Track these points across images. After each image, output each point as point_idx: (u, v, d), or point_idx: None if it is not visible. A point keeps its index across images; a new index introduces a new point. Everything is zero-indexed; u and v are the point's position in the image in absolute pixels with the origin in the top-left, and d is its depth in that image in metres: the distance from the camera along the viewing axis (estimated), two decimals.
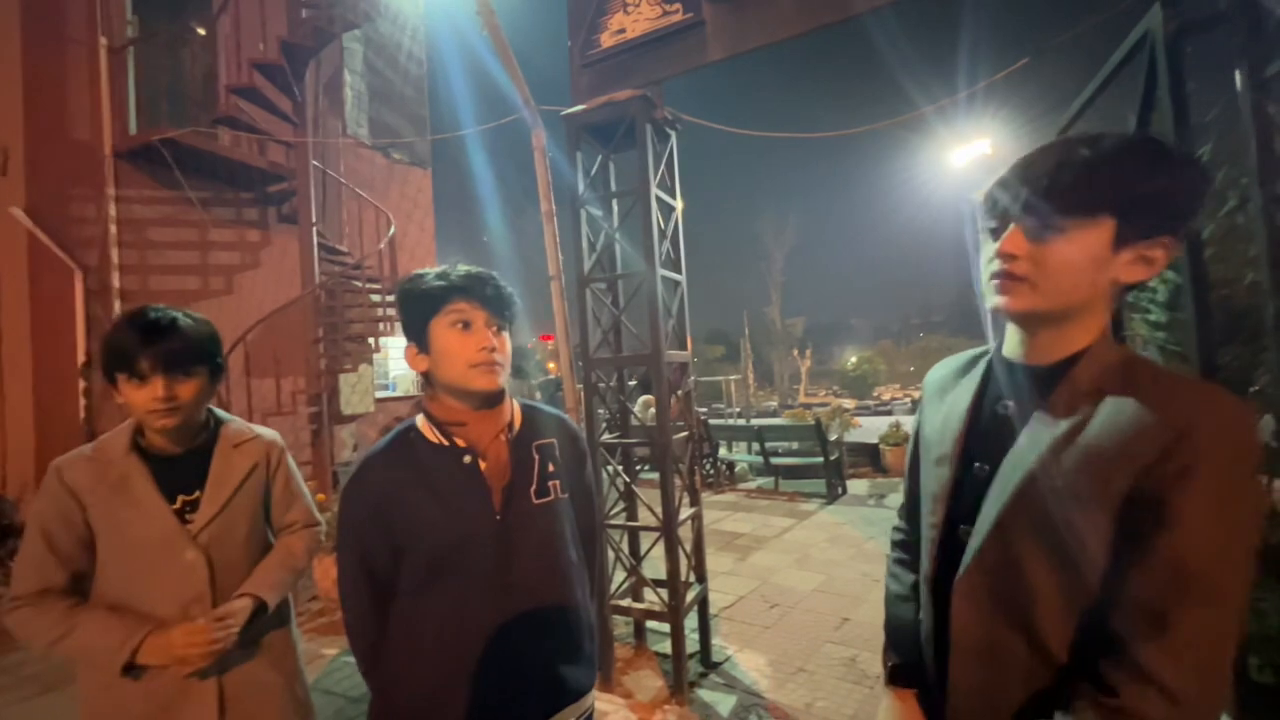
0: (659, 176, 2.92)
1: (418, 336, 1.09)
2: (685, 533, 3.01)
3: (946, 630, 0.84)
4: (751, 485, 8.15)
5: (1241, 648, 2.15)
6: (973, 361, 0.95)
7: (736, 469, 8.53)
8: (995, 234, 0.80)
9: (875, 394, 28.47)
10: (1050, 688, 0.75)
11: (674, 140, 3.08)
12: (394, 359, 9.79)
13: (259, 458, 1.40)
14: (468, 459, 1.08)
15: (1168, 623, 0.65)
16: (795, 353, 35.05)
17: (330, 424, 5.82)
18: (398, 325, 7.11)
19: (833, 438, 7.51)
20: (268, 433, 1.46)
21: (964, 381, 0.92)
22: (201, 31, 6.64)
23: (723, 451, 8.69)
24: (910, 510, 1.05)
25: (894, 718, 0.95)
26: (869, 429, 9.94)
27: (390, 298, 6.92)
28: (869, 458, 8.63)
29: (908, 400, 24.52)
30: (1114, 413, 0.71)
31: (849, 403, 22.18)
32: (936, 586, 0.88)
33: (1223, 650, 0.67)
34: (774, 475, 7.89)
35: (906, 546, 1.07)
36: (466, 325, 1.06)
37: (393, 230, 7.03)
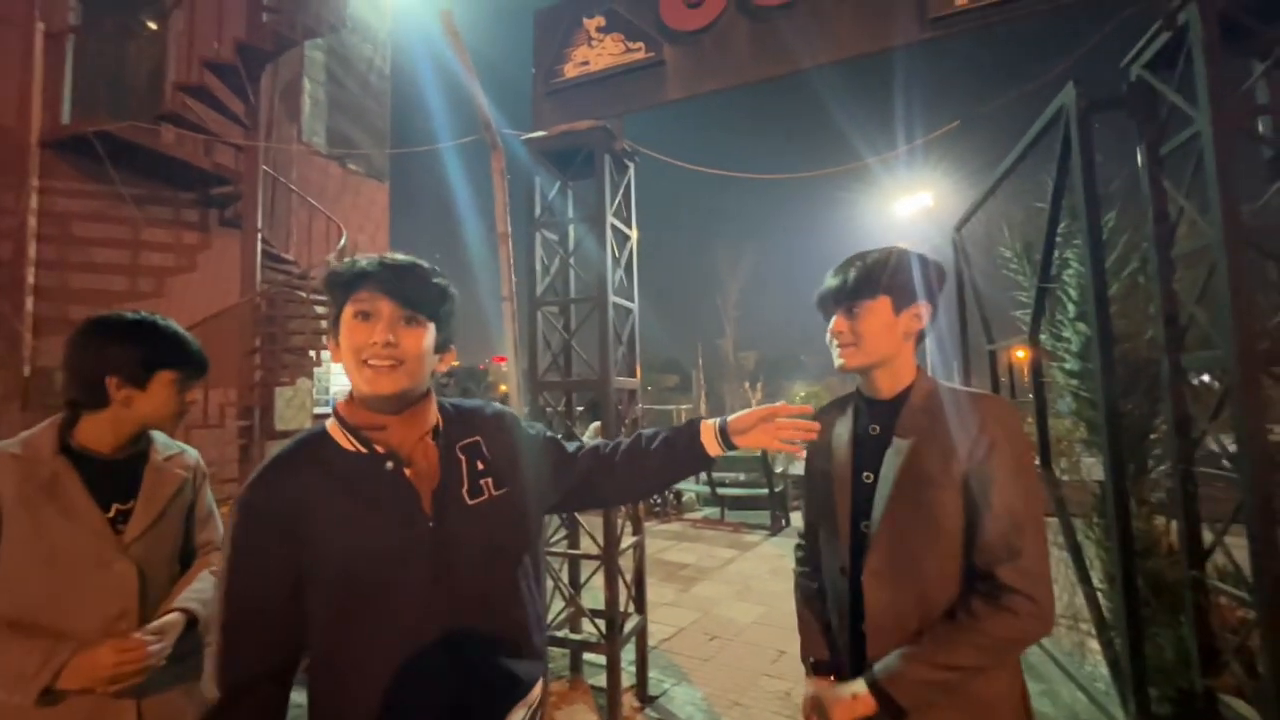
0: (615, 205, 2.98)
1: (334, 327, 0.98)
2: (627, 562, 2.98)
3: (860, 611, 1.10)
4: (698, 515, 8.16)
5: (1139, 679, 2.28)
6: (845, 402, 1.29)
7: (684, 498, 8.53)
8: (827, 318, 1.21)
9: None
10: None
11: (632, 171, 3.15)
12: (336, 373, 9.44)
13: (187, 473, 1.36)
14: (390, 465, 0.97)
15: (1013, 550, 1.00)
16: (747, 385, 35.67)
17: (262, 439, 5.52)
18: None
19: (778, 470, 7.64)
20: (190, 449, 1.42)
21: (841, 418, 1.25)
22: (153, 26, 6.41)
23: None
24: (810, 528, 1.32)
25: (811, 703, 1.16)
26: None
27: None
28: None
29: None
30: (943, 421, 1.10)
31: None
32: (851, 576, 1.14)
33: (1047, 558, 1.04)
34: (720, 505, 7.93)
35: (809, 560, 1.34)
36: (366, 316, 0.94)
37: (343, 241, 6.85)
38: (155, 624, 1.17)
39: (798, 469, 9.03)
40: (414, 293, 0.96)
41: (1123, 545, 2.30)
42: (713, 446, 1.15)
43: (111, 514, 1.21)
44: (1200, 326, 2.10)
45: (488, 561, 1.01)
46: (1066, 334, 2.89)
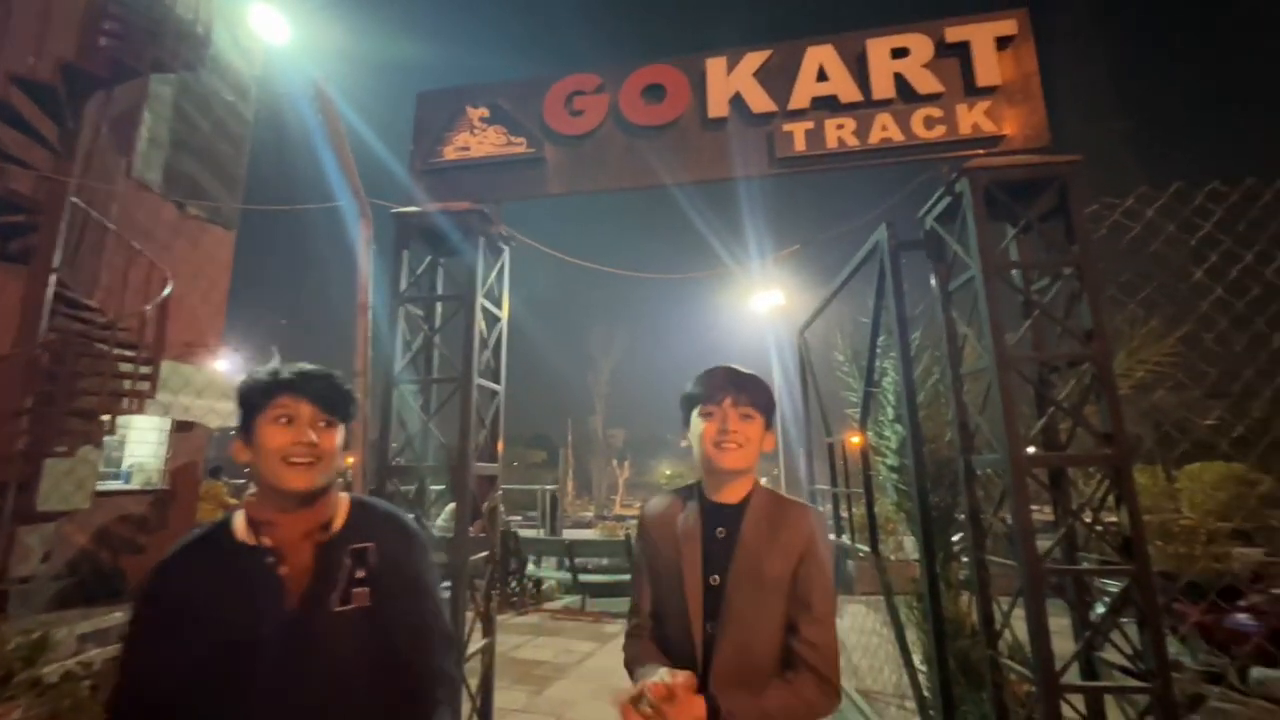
0: (488, 287, 2.96)
1: (245, 431, 1.09)
2: (475, 666, 2.72)
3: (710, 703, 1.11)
4: (558, 604, 7.76)
5: None
6: (684, 499, 1.35)
7: (544, 586, 8.10)
8: (704, 415, 1.29)
9: None
10: None
11: (507, 255, 3.18)
12: (137, 441, 7.96)
13: None
14: (270, 560, 1.04)
15: (819, 644, 1.16)
16: (615, 463, 35.71)
17: (12, 524, 4.41)
18: (149, 402, 5.87)
19: None
20: None
21: (682, 518, 1.31)
22: None
23: (531, 568, 8.25)
24: (648, 615, 1.34)
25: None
26: None
27: (146, 368, 5.75)
28: None
29: None
30: (779, 529, 1.23)
31: None
32: (699, 671, 1.16)
33: (836, 644, 1.19)
34: (582, 593, 7.64)
35: (639, 629, 1.34)
36: (290, 420, 1.07)
37: (168, 291, 6.02)
38: None
39: None
40: (330, 398, 1.10)
41: (936, 630, 2.55)
42: None
43: None
44: (984, 432, 2.51)
45: (338, 676, 1.02)
46: (887, 433, 3.31)
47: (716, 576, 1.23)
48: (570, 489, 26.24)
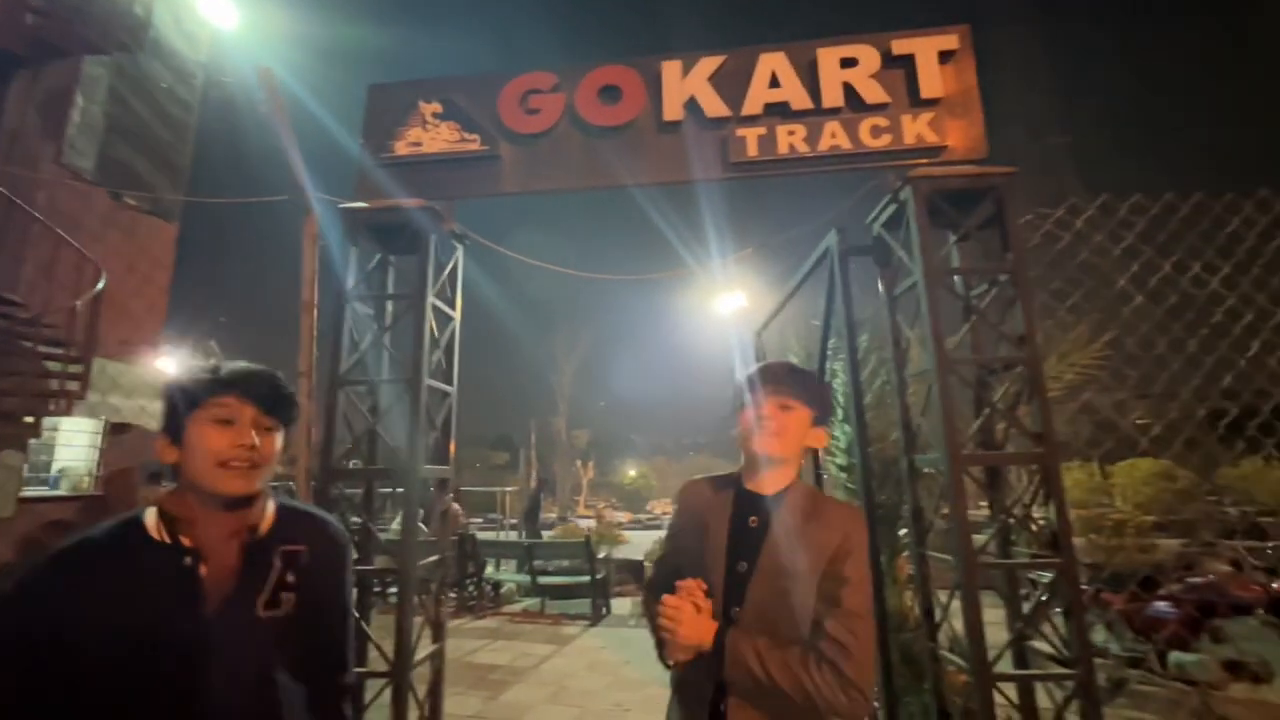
0: (439, 286, 2.91)
1: (173, 429, 1.02)
2: (424, 673, 2.67)
3: (722, 687, 1.17)
4: (517, 608, 7.67)
5: None
6: (720, 486, 1.36)
7: (503, 589, 8.00)
8: (750, 402, 1.29)
9: (648, 507, 29.82)
10: None
11: (460, 253, 3.13)
12: (65, 445, 7.51)
13: None
14: (188, 560, 0.98)
15: (850, 646, 1.11)
16: (579, 463, 35.53)
17: None
18: (78, 402, 5.55)
19: (600, 555, 7.57)
20: None
21: (716, 502, 1.33)
22: None
23: (490, 570, 8.13)
24: (663, 580, 1.33)
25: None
26: (637, 544, 10.26)
27: (75, 367, 5.43)
28: (635, 574, 8.83)
29: None
30: (814, 524, 1.22)
31: (623, 516, 22.78)
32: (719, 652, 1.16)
33: (872, 647, 1.17)
34: (541, 596, 7.57)
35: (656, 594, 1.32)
36: (228, 422, 1.01)
37: (101, 285, 5.70)
38: None
39: (621, 553, 9.06)
40: (274, 400, 1.05)
41: (880, 625, 2.63)
42: None
43: None
44: (925, 432, 2.60)
45: (254, 684, 0.98)
46: (837, 433, 3.39)
47: (744, 563, 1.23)
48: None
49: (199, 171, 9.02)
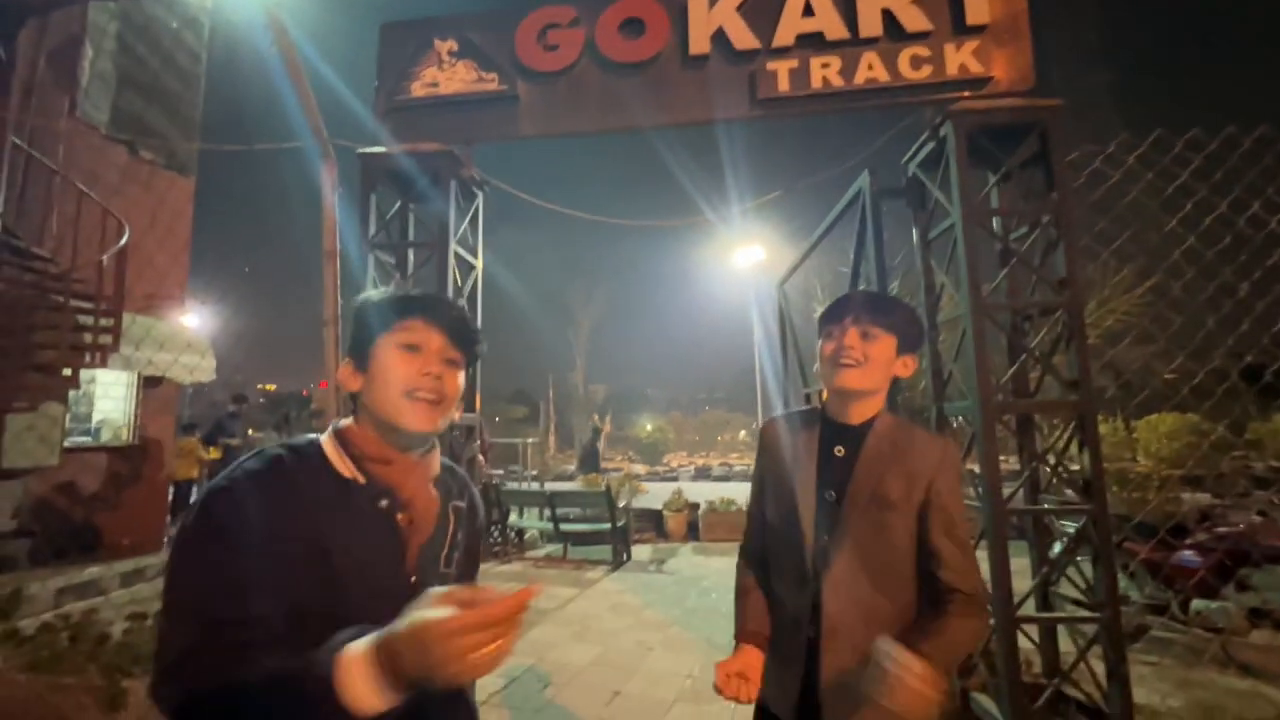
0: (460, 233, 2.87)
1: (359, 352, 0.92)
2: None
3: (815, 618, 1.18)
4: (540, 553, 7.93)
5: None
6: (804, 421, 1.33)
7: (526, 536, 8.25)
8: (832, 333, 1.24)
9: (665, 460, 30.28)
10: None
11: (480, 200, 3.07)
12: (103, 397, 7.76)
13: None
14: (384, 503, 0.88)
15: (966, 570, 1.15)
16: (596, 417, 36.01)
17: None
18: (113, 356, 5.69)
19: (621, 504, 7.74)
20: None
21: (802, 435, 1.30)
22: None
23: (513, 518, 8.38)
24: (757, 534, 1.36)
25: (742, 659, 1.22)
26: (655, 495, 10.46)
27: (107, 320, 5.54)
28: (653, 523, 9.04)
29: (692, 468, 26.48)
30: (906, 453, 1.20)
31: (641, 469, 23.18)
32: (810, 582, 1.19)
33: (975, 560, 1.20)
34: (564, 542, 7.80)
35: (749, 553, 1.38)
36: (415, 348, 0.91)
37: (125, 239, 5.74)
38: None
39: (640, 503, 9.25)
40: (461, 331, 0.94)
41: None
42: (366, 697, 0.65)
43: None
44: (956, 381, 2.55)
45: None
46: None
47: (832, 493, 1.21)
48: (552, 444, 26.44)
49: (211, 123, 8.92)
